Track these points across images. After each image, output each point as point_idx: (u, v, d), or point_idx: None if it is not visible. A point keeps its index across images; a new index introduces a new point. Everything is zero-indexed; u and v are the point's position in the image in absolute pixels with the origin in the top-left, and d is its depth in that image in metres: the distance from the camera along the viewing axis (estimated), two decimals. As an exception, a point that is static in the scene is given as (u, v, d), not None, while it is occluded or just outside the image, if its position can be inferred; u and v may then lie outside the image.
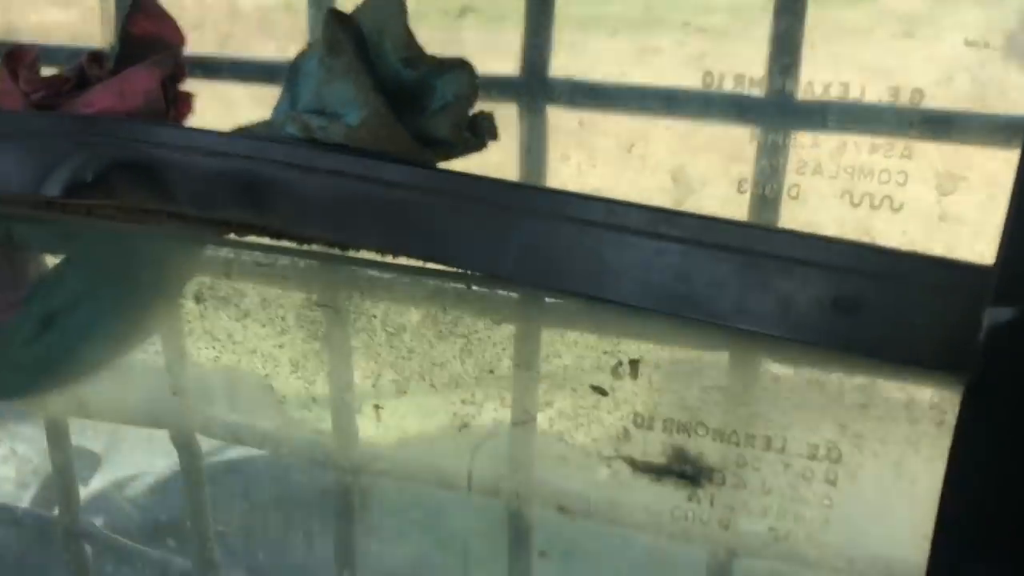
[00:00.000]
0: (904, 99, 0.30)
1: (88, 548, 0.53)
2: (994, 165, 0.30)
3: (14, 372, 0.45)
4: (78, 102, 0.39)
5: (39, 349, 0.43)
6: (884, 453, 0.31)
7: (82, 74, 0.39)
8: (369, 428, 0.38)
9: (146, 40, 0.38)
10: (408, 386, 0.36)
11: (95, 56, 0.39)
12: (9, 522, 0.55)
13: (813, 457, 0.32)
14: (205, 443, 0.43)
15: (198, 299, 0.39)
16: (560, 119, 0.35)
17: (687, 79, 0.32)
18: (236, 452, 0.43)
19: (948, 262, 0.28)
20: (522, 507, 0.38)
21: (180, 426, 0.43)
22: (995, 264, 0.27)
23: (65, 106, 0.39)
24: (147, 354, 0.41)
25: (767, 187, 0.33)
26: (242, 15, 0.43)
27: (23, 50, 0.39)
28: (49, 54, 0.42)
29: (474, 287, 0.34)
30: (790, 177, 0.32)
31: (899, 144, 0.30)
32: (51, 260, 0.42)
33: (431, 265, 0.34)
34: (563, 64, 0.34)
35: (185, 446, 0.44)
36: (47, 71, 0.41)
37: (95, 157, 0.38)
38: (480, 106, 0.34)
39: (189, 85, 0.40)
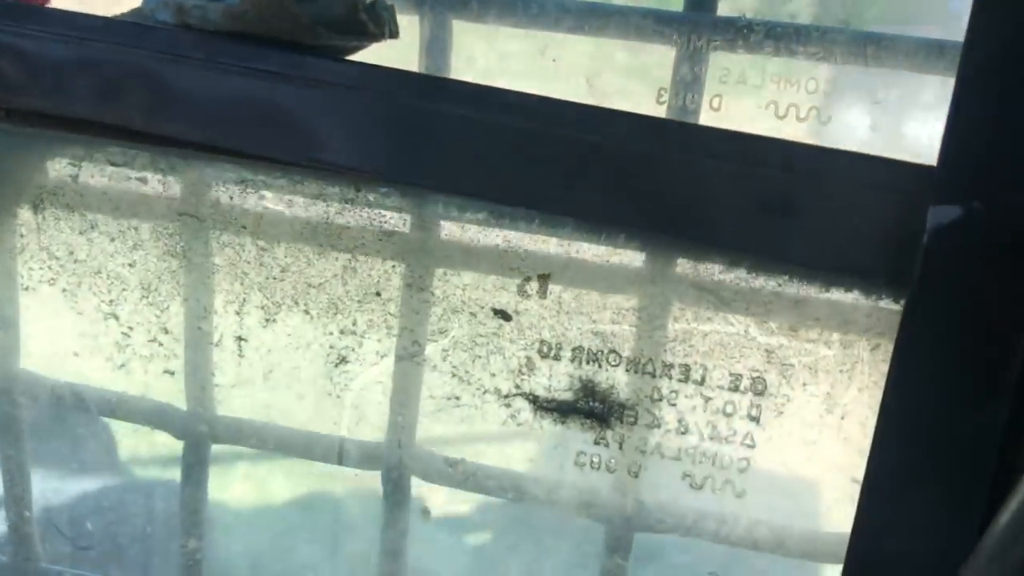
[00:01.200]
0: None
1: None
2: (925, 77, 0.28)
3: None
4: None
5: None
6: (813, 383, 0.28)
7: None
8: (229, 364, 0.33)
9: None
10: (278, 313, 0.32)
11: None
12: None
13: (735, 388, 0.29)
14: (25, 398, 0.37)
15: (36, 208, 0.33)
16: (465, 28, 0.32)
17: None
18: (65, 396, 0.37)
19: (887, 161, 0.26)
20: (404, 459, 0.33)
21: (1, 367, 0.37)
22: (938, 160, 0.25)
23: None
24: (-33, 276, 0.35)
25: (687, 97, 0.30)
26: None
27: None
28: None
29: (363, 192, 0.30)
30: (711, 87, 0.30)
31: (829, 51, 0.28)
32: None
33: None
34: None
35: (3, 393, 0.37)
36: None
37: (-79, 36, 0.32)
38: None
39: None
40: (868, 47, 0.29)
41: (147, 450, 0.41)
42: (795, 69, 0.29)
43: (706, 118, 0.30)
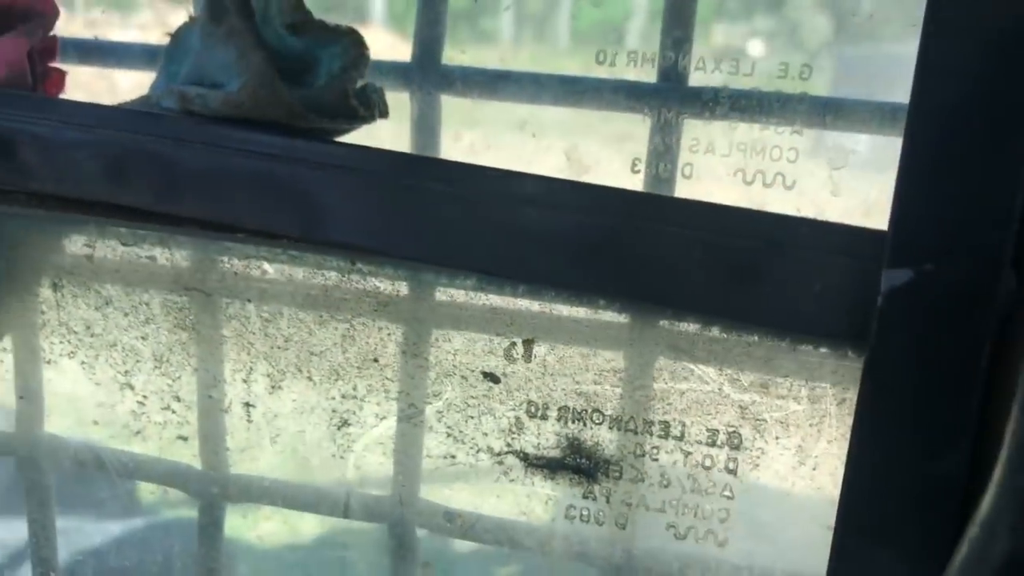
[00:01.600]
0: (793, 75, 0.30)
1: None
2: (881, 139, 0.30)
3: None
4: (-67, 73, 0.36)
5: None
6: (785, 437, 0.30)
7: (-61, 45, 0.36)
8: (239, 429, 0.35)
9: (14, 10, 0.36)
10: (283, 380, 0.34)
11: (-45, 26, 0.36)
12: None
13: (713, 444, 0.30)
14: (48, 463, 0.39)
15: (55, 286, 0.35)
16: (452, 102, 0.34)
17: (579, 62, 0.31)
18: (87, 462, 0.39)
19: (842, 227, 0.28)
20: (405, 515, 0.35)
21: (26, 436, 0.39)
22: (889, 226, 0.27)
23: (-83, 77, 0.36)
24: (-8, 351, 0.37)
25: (660, 166, 0.32)
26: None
27: None
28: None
29: (359, 265, 0.32)
30: (683, 156, 0.32)
31: (789, 121, 0.30)
32: None
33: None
34: (454, 55, 0.33)
35: (29, 460, 0.39)
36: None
37: (-54, 130, 0.34)
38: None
39: (62, 64, 0.38)
40: (827, 114, 0.30)
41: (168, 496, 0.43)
42: (761, 137, 0.31)
43: (680, 185, 0.32)
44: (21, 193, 0.35)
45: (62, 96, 0.38)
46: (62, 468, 0.39)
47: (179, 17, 0.36)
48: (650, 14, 0.31)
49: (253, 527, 0.43)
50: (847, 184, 0.30)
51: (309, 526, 0.41)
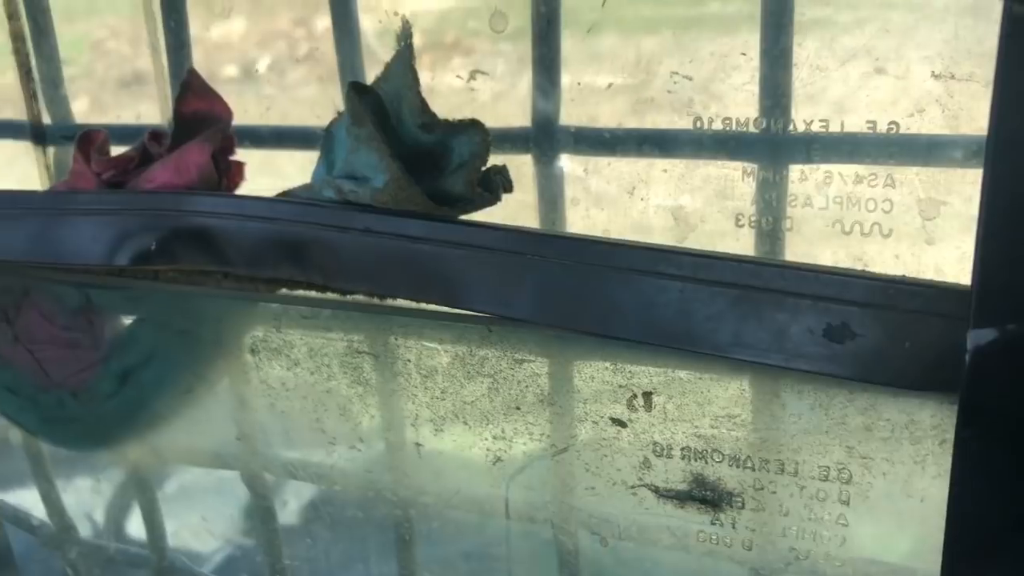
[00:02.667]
0: (881, 130, 0.31)
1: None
2: (971, 188, 0.31)
3: (98, 425, 0.50)
4: (142, 178, 0.43)
5: (118, 403, 0.48)
6: (892, 472, 0.32)
7: (145, 152, 0.44)
8: (412, 464, 0.41)
9: (197, 117, 0.42)
10: (444, 425, 0.39)
11: (155, 135, 0.44)
12: (104, 561, 0.60)
13: (825, 479, 0.33)
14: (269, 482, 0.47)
15: (253, 351, 0.42)
16: (566, 166, 0.37)
17: (679, 123, 0.34)
18: (297, 491, 0.47)
19: (930, 286, 0.29)
20: (559, 534, 0.40)
21: (247, 468, 0.47)
22: (971, 287, 0.28)
23: (131, 182, 0.43)
24: (214, 402, 0.45)
25: (764, 220, 0.34)
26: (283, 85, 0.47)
27: (93, 134, 0.44)
28: (119, 133, 0.47)
29: (494, 329, 0.37)
30: (784, 210, 0.34)
31: (882, 173, 0.32)
32: (124, 322, 0.46)
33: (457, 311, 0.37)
34: (568, 114, 0.37)
35: (252, 485, 0.47)
36: (118, 149, 0.45)
37: (157, 228, 0.42)
38: (496, 158, 0.37)
39: (239, 155, 0.44)
40: (919, 165, 0.32)
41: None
42: (855, 191, 0.32)
43: (784, 238, 0.34)
44: (219, 274, 0.42)
45: (244, 184, 0.44)
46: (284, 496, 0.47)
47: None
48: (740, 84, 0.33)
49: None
50: (942, 231, 0.31)
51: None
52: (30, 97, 0.49)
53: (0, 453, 0.71)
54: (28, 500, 0.67)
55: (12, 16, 0.48)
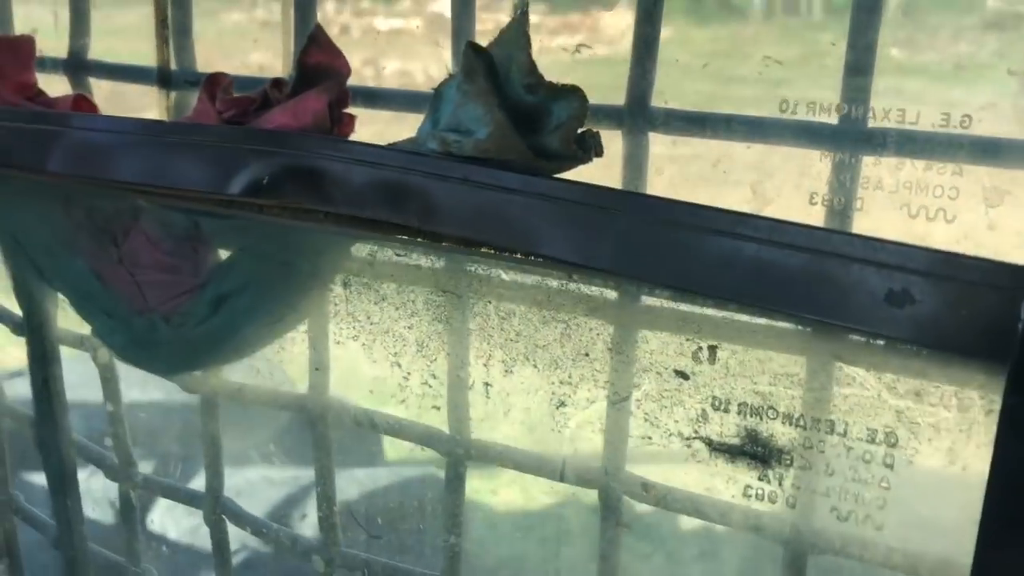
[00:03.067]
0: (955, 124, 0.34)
1: (227, 524, 0.61)
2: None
3: (186, 350, 0.54)
4: (260, 120, 0.47)
5: (209, 328, 0.51)
6: (937, 439, 0.34)
7: (265, 97, 0.48)
8: (479, 403, 0.44)
9: (318, 69, 0.46)
10: (514, 366, 0.42)
11: (276, 82, 0.48)
12: (160, 492, 0.63)
13: (872, 441, 0.35)
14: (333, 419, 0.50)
15: (345, 285, 0.45)
16: (656, 140, 0.41)
17: (766, 107, 0.37)
18: (361, 426, 0.50)
19: (988, 261, 0.31)
20: (610, 483, 0.42)
21: (317, 399, 0.50)
22: (1031, 261, 0.30)
23: (249, 123, 0.47)
24: (297, 333, 0.48)
25: (835, 200, 0.37)
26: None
27: (220, 76, 0.48)
28: (244, 83, 0.51)
29: (575, 278, 0.40)
30: (856, 191, 0.36)
31: (950, 163, 0.34)
32: (224, 252, 0.50)
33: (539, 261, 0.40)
34: (660, 92, 0.40)
35: (319, 418, 0.50)
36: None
37: (270, 164, 0.45)
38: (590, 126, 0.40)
39: (352, 109, 0.48)
40: (986, 157, 0.34)
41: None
42: (924, 176, 0.35)
43: (854, 217, 0.37)
44: (322, 212, 0.46)
45: (352, 136, 0.48)
46: (343, 426, 0.50)
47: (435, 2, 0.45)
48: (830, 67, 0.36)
49: (494, 489, 0.52)
50: (1003, 219, 0.34)
51: (536, 488, 0.50)
52: (162, 43, 0.54)
53: (18, 449, 0.76)
54: (40, 496, 0.71)
55: (157, -33, 0.53)
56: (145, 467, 0.66)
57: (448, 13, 0.49)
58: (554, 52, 0.42)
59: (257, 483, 0.66)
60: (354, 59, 0.49)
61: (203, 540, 0.63)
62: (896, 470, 0.35)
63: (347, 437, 0.52)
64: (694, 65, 0.39)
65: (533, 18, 0.40)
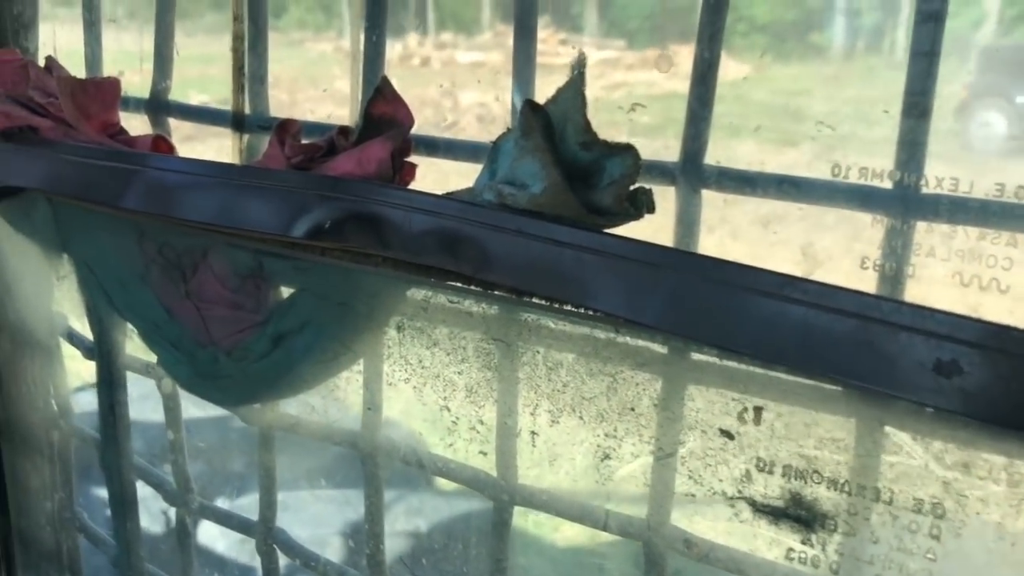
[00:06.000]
0: (1009, 194, 0.34)
1: (278, 553, 0.62)
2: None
3: (245, 384, 0.55)
4: (326, 166, 0.49)
5: (267, 365, 0.53)
6: (986, 512, 0.34)
7: (332, 144, 0.49)
8: (526, 451, 0.44)
9: (383, 119, 0.48)
10: (560, 417, 0.42)
11: (343, 130, 0.49)
12: (215, 519, 0.65)
13: (918, 511, 0.35)
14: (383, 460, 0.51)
15: (399, 328, 0.47)
16: (707, 197, 0.41)
17: (818, 170, 0.37)
18: (409, 467, 0.50)
19: (1040, 335, 0.31)
20: (652, 537, 0.42)
21: (368, 438, 0.51)
22: (1085, 339, 0.30)
23: (316, 168, 0.49)
24: (352, 372, 0.49)
25: (887, 265, 0.37)
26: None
27: (290, 122, 0.50)
28: (312, 129, 0.53)
29: (621, 331, 0.40)
30: (907, 257, 0.36)
31: (1005, 233, 0.34)
32: (286, 291, 0.51)
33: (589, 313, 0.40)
34: (712, 152, 0.40)
35: (369, 456, 0.51)
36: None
37: (334, 209, 0.47)
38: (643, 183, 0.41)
39: (413, 158, 0.49)
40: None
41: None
42: (978, 246, 0.35)
43: (908, 284, 0.37)
44: (380, 257, 0.47)
45: (412, 184, 0.49)
46: (393, 466, 0.51)
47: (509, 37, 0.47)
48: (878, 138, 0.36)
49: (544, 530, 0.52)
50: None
51: (581, 535, 0.50)
52: (238, 90, 0.56)
53: (82, 467, 0.78)
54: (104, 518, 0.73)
55: (237, 18, 0.55)
56: (200, 483, 0.68)
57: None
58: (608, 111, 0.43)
59: (307, 508, 0.67)
60: (432, 90, 0.50)
61: (253, 559, 0.64)
62: (943, 542, 0.34)
63: (396, 475, 0.53)
64: (747, 125, 0.39)
65: (612, 53, 0.41)
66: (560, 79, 0.42)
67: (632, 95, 0.40)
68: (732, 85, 0.43)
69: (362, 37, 0.51)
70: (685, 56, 0.42)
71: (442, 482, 0.54)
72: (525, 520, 0.47)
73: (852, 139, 0.37)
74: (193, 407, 0.68)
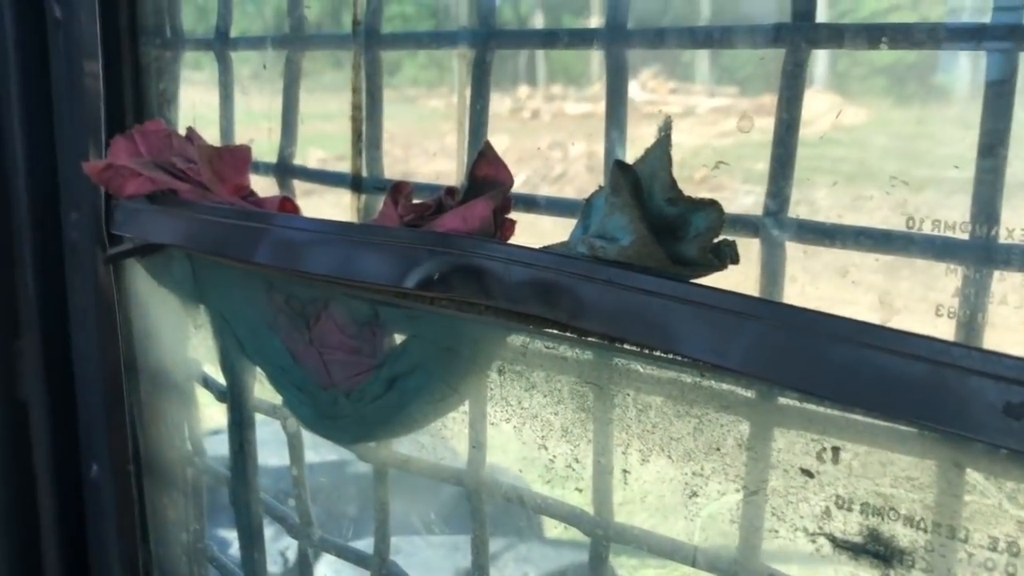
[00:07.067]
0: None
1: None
2: None
3: (362, 423, 0.60)
4: (434, 223, 0.53)
5: (382, 405, 0.58)
6: (1060, 552, 0.35)
7: (440, 203, 0.54)
8: (618, 488, 0.47)
9: (486, 180, 0.52)
10: (650, 456, 0.45)
11: (450, 190, 0.54)
12: (334, 552, 0.70)
13: (994, 549, 0.36)
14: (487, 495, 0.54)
15: (500, 372, 0.50)
16: (789, 248, 0.44)
17: (892, 222, 0.39)
18: (509, 502, 0.54)
19: (1110, 379, 0.32)
20: (739, 572, 0.44)
21: (473, 474, 0.55)
22: None
23: (426, 226, 0.54)
24: (458, 413, 0.53)
25: (962, 313, 0.38)
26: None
27: (403, 184, 0.55)
28: (423, 189, 0.58)
29: (707, 375, 0.43)
30: (982, 305, 0.38)
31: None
32: (399, 337, 0.56)
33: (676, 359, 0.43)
34: (794, 205, 0.43)
35: (474, 492, 0.55)
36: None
37: (442, 263, 0.51)
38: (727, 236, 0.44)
39: (513, 215, 0.53)
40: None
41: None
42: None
43: (983, 332, 0.38)
44: (483, 305, 0.51)
45: (512, 239, 0.53)
46: (496, 501, 0.55)
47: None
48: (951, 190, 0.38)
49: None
50: None
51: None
52: (356, 155, 0.62)
53: (212, 503, 0.84)
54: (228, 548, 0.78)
55: (356, 90, 0.61)
56: (318, 522, 0.73)
57: (638, 96, 0.54)
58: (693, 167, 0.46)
59: (418, 553, 0.71)
60: (543, 140, 0.54)
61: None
62: (1020, 580, 0.36)
63: (506, 510, 0.56)
64: (825, 180, 0.42)
65: (724, 101, 0.45)
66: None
67: (745, 142, 0.43)
68: (849, 130, 0.46)
69: (468, 104, 0.56)
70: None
71: (547, 531, 0.58)
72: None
73: (924, 194, 0.39)
74: (312, 453, 0.74)
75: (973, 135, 0.38)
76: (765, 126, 0.48)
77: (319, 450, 0.74)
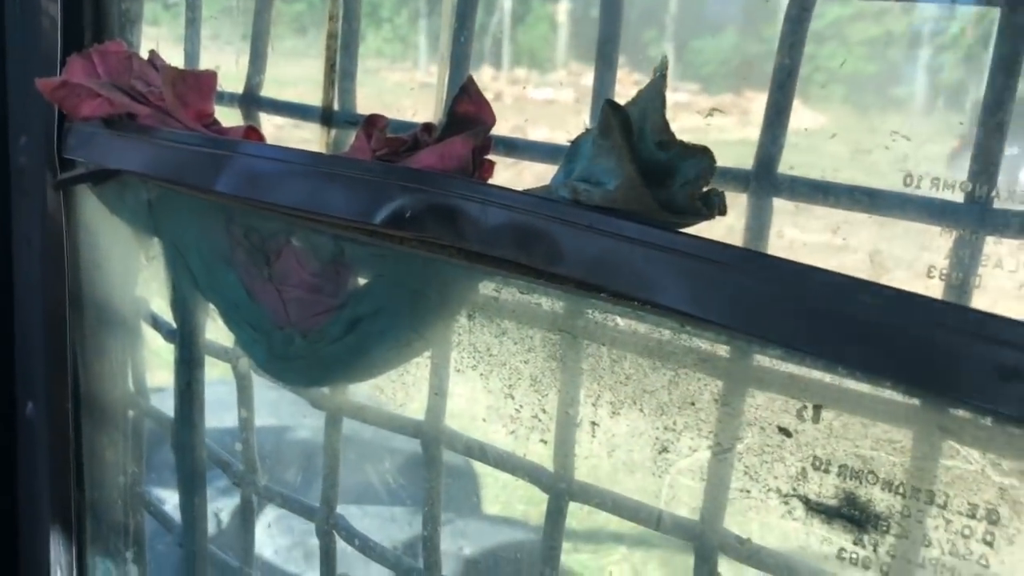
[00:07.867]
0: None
1: (337, 538, 0.64)
2: None
3: (318, 366, 0.58)
4: (409, 159, 0.51)
5: (341, 348, 0.55)
6: (1041, 521, 0.34)
7: (416, 140, 0.52)
8: (585, 440, 0.46)
9: (466, 118, 0.50)
10: (621, 408, 0.44)
11: (427, 127, 0.52)
12: (279, 501, 0.67)
13: (972, 516, 0.35)
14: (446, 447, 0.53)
15: (470, 317, 0.48)
16: (779, 204, 0.42)
17: (890, 180, 0.38)
18: (467, 455, 0.52)
19: (1107, 345, 0.31)
20: (707, 532, 0.43)
21: (433, 422, 0.53)
22: None
23: (399, 161, 0.51)
24: (421, 358, 0.51)
25: (953, 275, 0.37)
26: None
27: (378, 117, 0.52)
28: (399, 127, 0.55)
29: (687, 328, 0.41)
30: (974, 268, 0.37)
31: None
32: (364, 277, 0.54)
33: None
34: (788, 159, 0.41)
35: (433, 441, 0.53)
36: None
37: (414, 200, 0.49)
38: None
39: (492, 156, 0.51)
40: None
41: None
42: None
43: (974, 294, 0.37)
44: (454, 248, 0.49)
45: (490, 180, 0.51)
46: (456, 452, 0.53)
47: (588, 75, 0.48)
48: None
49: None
50: None
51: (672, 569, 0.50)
52: (328, 86, 0.59)
53: (155, 447, 0.81)
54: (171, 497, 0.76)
55: (332, 17, 0.58)
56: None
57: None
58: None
59: (353, 517, 0.69)
60: (504, 125, 0.52)
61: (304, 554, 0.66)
62: (996, 548, 0.35)
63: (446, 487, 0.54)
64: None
65: (684, 96, 0.43)
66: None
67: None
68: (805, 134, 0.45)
69: (451, 38, 0.53)
70: (759, 103, 0.43)
71: (492, 508, 0.56)
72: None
73: (925, 151, 0.37)
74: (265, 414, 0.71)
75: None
76: (724, 124, 0.47)
77: (260, 413, 0.71)
